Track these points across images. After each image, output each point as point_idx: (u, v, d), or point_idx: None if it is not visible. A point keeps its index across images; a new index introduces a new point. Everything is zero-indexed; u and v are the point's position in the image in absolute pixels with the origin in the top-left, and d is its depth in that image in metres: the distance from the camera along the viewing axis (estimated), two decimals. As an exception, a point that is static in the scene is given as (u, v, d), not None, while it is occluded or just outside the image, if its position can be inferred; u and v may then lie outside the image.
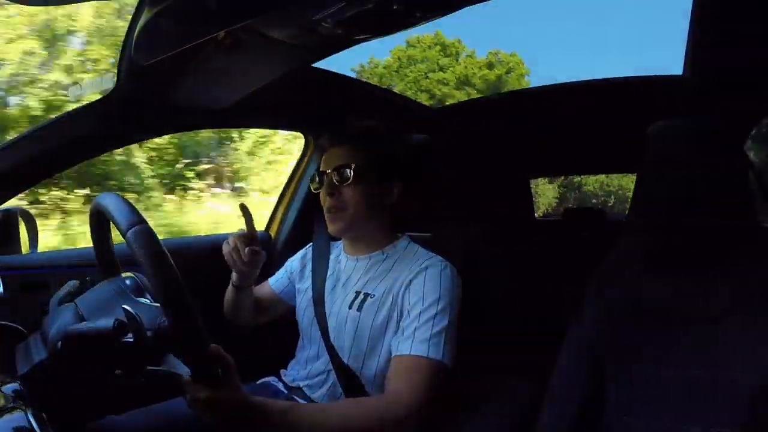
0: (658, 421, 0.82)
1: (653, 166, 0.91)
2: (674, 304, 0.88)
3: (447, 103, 1.68)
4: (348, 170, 0.89)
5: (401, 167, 0.97)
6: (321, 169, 0.94)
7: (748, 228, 0.88)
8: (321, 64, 1.05)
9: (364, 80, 1.41)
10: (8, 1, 0.53)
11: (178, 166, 6.41)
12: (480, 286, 1.06)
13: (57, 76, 5.47)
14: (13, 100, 5.41)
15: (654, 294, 0.90)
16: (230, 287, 1.00)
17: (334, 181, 0.90)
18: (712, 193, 0.87)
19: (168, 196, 6.04)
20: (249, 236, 0.90)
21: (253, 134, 6.86)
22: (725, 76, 0.98)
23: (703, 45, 0.88)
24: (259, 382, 1.02)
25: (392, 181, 0.95)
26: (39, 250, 1.11)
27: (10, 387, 0.62)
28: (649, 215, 0.94)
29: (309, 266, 1.03)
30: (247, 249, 0.88)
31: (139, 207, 0.68)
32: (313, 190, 0.96)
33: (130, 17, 0.69)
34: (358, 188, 0.90)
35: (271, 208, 1.55)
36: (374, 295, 0.88)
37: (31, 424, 0.56)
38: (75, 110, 0.93)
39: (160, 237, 0.57)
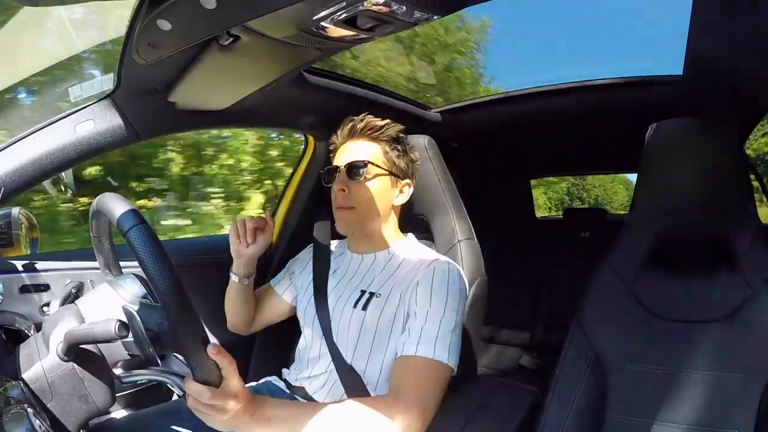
0: (658, 420, 0.82)
1: (653, 166, 0.91)
2: (675, 304, 0.88)
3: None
4: (362, 167, 0.89)
5: (412, 166, 0.97)
6: (334, 164, 0.93)
7: (749, 228, 0.88)
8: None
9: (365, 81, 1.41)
10: (8, 1, 0.53)
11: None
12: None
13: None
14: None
15: (654, 294, 0.90)
16: (230, 285, 1.00)
17: (347, 176, 0.90)
18: (712, 193, 0.87)
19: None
20: (262, 221, 0.94)
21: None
22: (724, 76, 0.98)
23: (703, 45, 0.88)
24: (260, 381, 1.02)
25: (403, 181, 0.95)
26: (39, 251, 1.11)
27: (11, 388, 0.62)
28: (648, 215, 0.94)
29: (310, 266, 1.03)
30: (252, 224, 0.92)
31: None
32: (324, 184, 0.96)
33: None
34: (370, 185, 0.90)
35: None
36: (380, 294, 0.88)
37: (33, 426, 0.56)
38: (75, 111, 0.93)
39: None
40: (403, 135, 0.96)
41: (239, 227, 0.93)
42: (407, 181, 0.96)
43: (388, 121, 0.94)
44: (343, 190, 0.90)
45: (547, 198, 12.46)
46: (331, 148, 0.99)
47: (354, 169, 0.90)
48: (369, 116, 0.94)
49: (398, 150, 0.94)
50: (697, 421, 0.80)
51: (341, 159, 0.93)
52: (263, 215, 0.96)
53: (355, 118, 0.94)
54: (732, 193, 0.87)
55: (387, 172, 0.92)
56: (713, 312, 0.85)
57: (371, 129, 0.93)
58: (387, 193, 0.92)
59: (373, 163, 0.90)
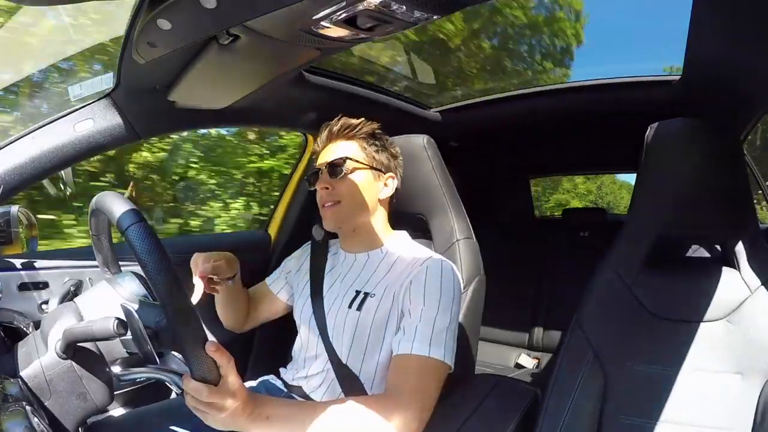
0: (657, 420, 0.82)
1: (652, 167, 0.91)
2: (674, 303, 0.88)
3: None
4: (341, 165, 0.91)
5: (394, 161, 0.98)
6: (316, 167, 0.95)
7: (748, 228, 0.88)
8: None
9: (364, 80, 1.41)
10: (9, 1, 0.53)
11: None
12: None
13: None
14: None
15: (654, 294, 0.90)
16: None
17: (328, 175, 0.92)
18: (711, 193, 0.87)
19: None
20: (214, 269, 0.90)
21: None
22: (724, 76, 0.98)
23: (703, 45, 0.88)
24: (258, 380, 1.02)
25: (385, 175, 0.96)
26: (38, 250, 1.11)
27: (9, 386, 0.62)
28: (648, 215, 0.94)
29: (306, 265, 1.03)
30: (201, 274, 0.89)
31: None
32: (309, 189, 0.97)
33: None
34: (352, 180, 0.91)
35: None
36: (374, 294, 0.88)
37: (31, 424, 0.56)
38: (75, 109, 0.93)
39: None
40: (380, 131, 0.98)
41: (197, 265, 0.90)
42: (390, 174, 0.97)
43: (362, 119, 0.96)
44: (327, 188, 0.91)
45: (583, 206, 13.56)
46: (313, 157, 1.00)
47: (334, 167, 0.91)
48: (344, 118, 0.96)
49: (376, 145, 0.95)
50: (695, 421, 0.80)
51: (321, 161, 0.95)
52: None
53: (331, 122, 0.96)
54: (731, 193, 0.87)
55: (367, 166, 0.93)
56: (712, 312, 0.85)
57: (347, 128, 0.94)
58: (371, 187, 0.93)
59: (351, 159, 0.92)
